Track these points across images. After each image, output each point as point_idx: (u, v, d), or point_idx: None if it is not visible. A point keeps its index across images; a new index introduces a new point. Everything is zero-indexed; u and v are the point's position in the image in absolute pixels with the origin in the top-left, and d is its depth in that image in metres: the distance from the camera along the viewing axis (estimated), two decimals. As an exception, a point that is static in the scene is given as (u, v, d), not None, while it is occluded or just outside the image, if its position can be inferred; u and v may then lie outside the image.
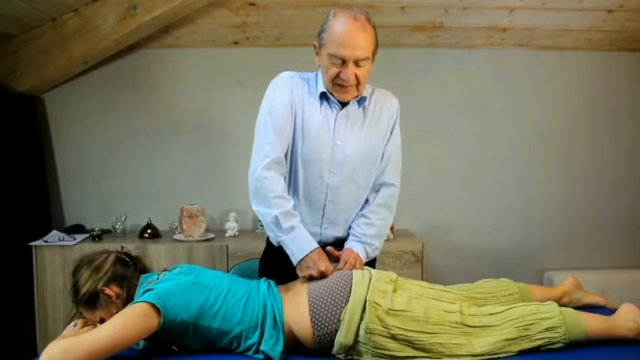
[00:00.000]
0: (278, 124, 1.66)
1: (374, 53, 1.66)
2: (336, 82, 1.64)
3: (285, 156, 1.70)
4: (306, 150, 1.69)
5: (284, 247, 1.64)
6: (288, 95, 1.70)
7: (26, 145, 3.09)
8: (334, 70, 1.62)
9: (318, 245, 1.63)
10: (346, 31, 1.58)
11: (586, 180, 3.43)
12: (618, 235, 3.45)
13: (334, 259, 1.65)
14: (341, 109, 1.72)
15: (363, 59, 1.60)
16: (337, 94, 1.68)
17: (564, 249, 3.43)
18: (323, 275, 1.56)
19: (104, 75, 3.26)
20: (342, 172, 1.71)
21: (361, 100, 1.74)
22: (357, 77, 1.62)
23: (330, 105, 1.73)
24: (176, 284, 1.45)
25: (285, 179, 1.70)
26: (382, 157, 1.78)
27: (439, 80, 3.34)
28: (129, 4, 2.78)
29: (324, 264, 1.58)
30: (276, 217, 1.61)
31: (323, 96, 1.72)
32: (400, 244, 3.00)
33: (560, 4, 2.96)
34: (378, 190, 1.80)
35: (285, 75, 1.75)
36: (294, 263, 1.61)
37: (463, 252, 3.39)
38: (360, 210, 1.80)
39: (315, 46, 1.69)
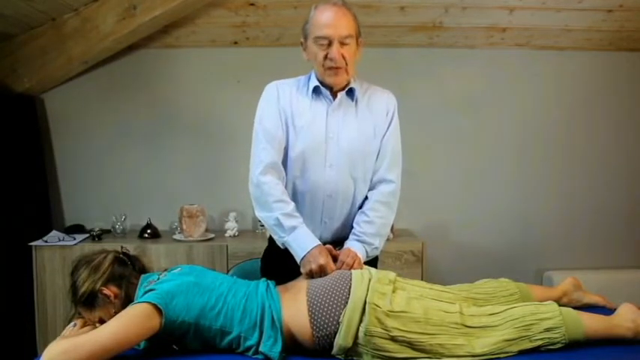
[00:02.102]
0: (268, 131, 1.72)
1: (357, 36, 1.73)
2: (326, 64, 1.69)
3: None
4: (300, 146, 1.73)
5: (289, 248, 1.67)
6: (274, 103, 1.76)
7: (26, 145, 3.09)
8: (322, 53, 1.69)
9: (319, 242, 1.65)
10: (327, 15, 1.68)
11: (586, 180, 3.43)
12: (618, 235, 3.45)
13: (332, 258, 1.65)
14: (332, 103, 1.75)
15: (346, 37, 1.68)
16: (329, 78, 1.72)
17: (564, 249, 3.43)
18: (322, 269, 1.58)
19: (104, 75, 3.26)
20: (338, 165, 1.74)
21: (351, 92, 1.77)
22: (344, 58, 1.68)
23: (321, 99, 1.76)
24: (177, 285, 1.45)
25: (283, 179, 1.73)
26: (379, 153, 1.79)
27: (439, 80, 3.34)
28: (129, 4, 2.78)
29: (324, 258, 1.59)
30: (277, 218, 1.65)
31: (315, 90, 1.76)
32: (400, 243, 3.00)
33: (560, 4, 2.96)
34: (377, 188, 1.80)
35: (270, 85, 1.82)
36: (298, 262, 1.63)
37: (463, 252, 3.39)
38: (360, 208, 1.81)
39: (301, 43, 1.77)
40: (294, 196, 1.75)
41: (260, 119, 1.76)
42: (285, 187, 1.74)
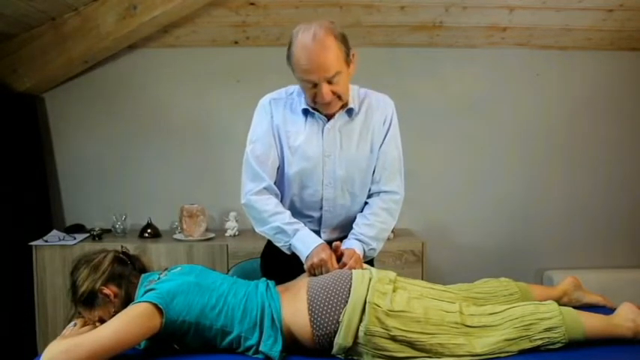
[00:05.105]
0: (259, 154, 1.70)
1: (347, 61, 1.60)
2: (317, 101, 1.63)
3: (278, 173, 1.73)
4: (296, 166, 1.71)
5: (294, 250, 1.66)
6: (267, 122, 1.72)
7: (26, 145, 3.09)
8: (310, 92, 1.61)
9: (322, 241, 1.65)
10: (307, 56, 1.53)
11: (586, 180, 3.43)
12: (618, 234, 3.45)
13: (337, 257, 1.65)
14: (327, 122, 1.71)
15: (333, 76, 1.57)
16: (322, 110, 1.68)
17: (564, 248, 3.44)
18: (323, 262, 1.58)
19: (104, 75, 3.27)
20: (336, 183, 1.72)
21: (349, 111, 1.72)
22: (334, 92, 1.60)
23: (315, 119, 1.72)
24: (178, 284, 1.45)
25: (278, 196, 1.73)
26: (378, 163, 1.76)
27: (439, 79, 3.34)
28: (129, 4, 2.78)
29: (326, 254, 1.59)
30: (278, 226, 1.66)
31: (307, 111, 1.71)
32: (401, 243, 3.00)
33: (561, 3, 2.96)
34: (378, 196, 1.78)
35: (264, 101, 1.76)
36: (304, 261, 1.63)
37: (464, 251, 3.39)
38: (361, 211, 1.80)
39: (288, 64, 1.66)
40: (292, 212, 1.73)
41: (252, 140, 1.73)
42: (283, 203, 1.74)
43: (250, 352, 1.44)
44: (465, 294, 1.63)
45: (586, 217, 3.44)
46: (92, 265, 1.53)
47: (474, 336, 1.43)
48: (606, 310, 1.67)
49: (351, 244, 1.71)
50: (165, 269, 1.59)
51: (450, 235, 3.42)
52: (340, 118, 1.72)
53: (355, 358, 1.44)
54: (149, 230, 3.11)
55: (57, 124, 3.33)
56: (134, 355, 1.42)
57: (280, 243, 1.69)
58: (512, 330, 1.43)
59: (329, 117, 1.70)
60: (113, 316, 1.39)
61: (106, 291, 1.49)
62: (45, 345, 1.34)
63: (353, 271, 1.56)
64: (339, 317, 1.42)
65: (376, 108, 1.76)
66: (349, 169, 1.72)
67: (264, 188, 1.70)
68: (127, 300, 1.49)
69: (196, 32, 3.15)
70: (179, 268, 1.56)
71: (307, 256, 1.62)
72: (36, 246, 2.89)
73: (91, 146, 3.32)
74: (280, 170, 1.74)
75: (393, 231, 2.93)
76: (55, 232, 3.02)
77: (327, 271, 1.58)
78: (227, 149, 3.26)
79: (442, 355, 1.41)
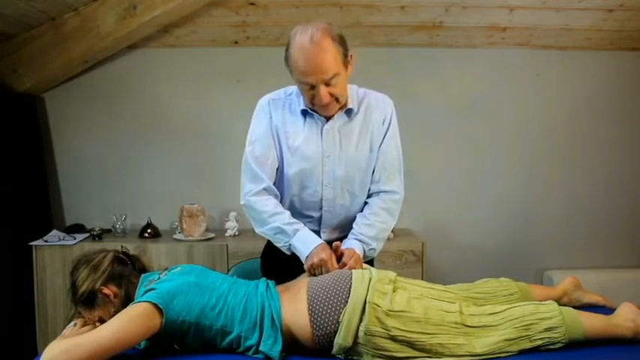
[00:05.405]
0: (259, 155, 1.71)
1: (344, 62, 1.60)
2: (315, 103, 1.63)
3: (277, 174, 1.73)
4: (295, 167, 1.71)
5: (294, 250, 1.66)
6: (266, 123, 1.72)
7: (26, 144, 3.09)
8: (308, 94, 1.62)
9: (322, 241, 1.65)
10: (305, 58, 1.54)
11: (586, 180, 3.43)
12: (618, 234, 3.45)
13: (338, 257, 1.65)
14: (326, 122, 1.71)
15: (331, 78, 1.57)
16: (320, 112, 1.68)
17: (564, 248, 3.44)
18: (323, 262, 1.57)
19: (104, 75, 3.27)
20: (335, 183, 1.72)
21: (349, 112, 1.72)
22: (332, 94, 1.61)
23: (314, 120, 1.72)
24: (178, 284, 1.45)
25: (277, 197, 1.73)
26: (377, 163, 1.76)
27: (439, 79, 3.34)
28: (129, 4, 2.78)
29: (326, 254, 1.59)
30: (278, 227, 1.66)
31: (306, 112, 1.71)
32: (401, 243, 3.00)
33: (560, 3, 2.96)
34: (378, 195, 1.78)
35: (263, 102, 1.76)
36: (303, 261, 1.63)
37: (464, 251, 3.39)
38: (361, 211, 1.80)
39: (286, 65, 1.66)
40: (292, 212, 1.73)
41: (251, 141, 1.73)
42: (283, 203, 1.74)
43: (250, 352, 1.44)
44: (465, 294, 1.63)
45: (586, 217, 3.44)
46: (92, 265, 1.53)
47: (474, 336, 1.43)
48: (606, 310, 1.67)
49: (351, 244, 1.71)
50: (165, 269, 1.59)
51: (450, 235, 3.42)
52: (339, 118, 1.72)
53: (355, 358, 1.44)
54: (149, 230, 3.11)
55: (57, 124, 3.33)
56: (134, 355, 1.42)
57: (280, 243, 1.69)
58: (512, 330, 1.43)
59: (328, 117, 1.71)
60: (113, 316, 1.39)
61: (106, 291, 1.49)
62: (45, 345, 1.34)
63: (353, 271, 1.56)
64: (339, 317, 1.42)
65: (375, 107, 1.76)
66: (349, 169, 1.72)
67: (264, 189, 1.70)
68: (127, 300, 1.49)
69: (196, 32, 3.15)
70: (179, 268, 1.56)
71: (307, 256, 1.62)
72: (36, 246, 2.89)
73: (91, 146, 3.32)
74: (280, 171, 1.74)
75: (393, 231, 2.93)
76: (55, 232, 3.02)
77: (327, 271, 1.58)
78: (227, 149, 3.25)
79: (442, 355, 1.41)
